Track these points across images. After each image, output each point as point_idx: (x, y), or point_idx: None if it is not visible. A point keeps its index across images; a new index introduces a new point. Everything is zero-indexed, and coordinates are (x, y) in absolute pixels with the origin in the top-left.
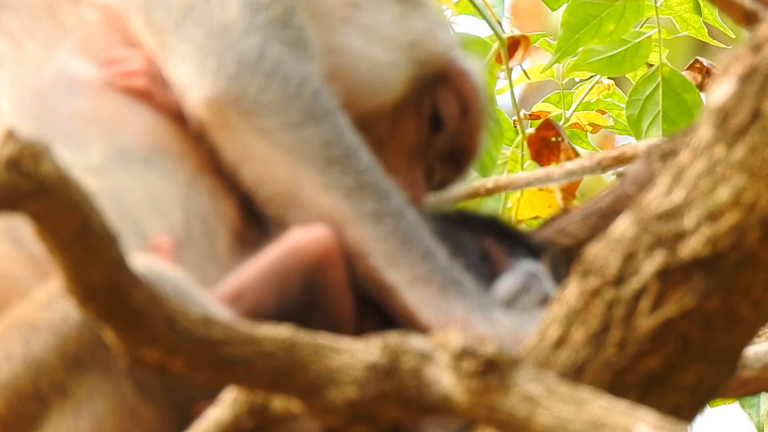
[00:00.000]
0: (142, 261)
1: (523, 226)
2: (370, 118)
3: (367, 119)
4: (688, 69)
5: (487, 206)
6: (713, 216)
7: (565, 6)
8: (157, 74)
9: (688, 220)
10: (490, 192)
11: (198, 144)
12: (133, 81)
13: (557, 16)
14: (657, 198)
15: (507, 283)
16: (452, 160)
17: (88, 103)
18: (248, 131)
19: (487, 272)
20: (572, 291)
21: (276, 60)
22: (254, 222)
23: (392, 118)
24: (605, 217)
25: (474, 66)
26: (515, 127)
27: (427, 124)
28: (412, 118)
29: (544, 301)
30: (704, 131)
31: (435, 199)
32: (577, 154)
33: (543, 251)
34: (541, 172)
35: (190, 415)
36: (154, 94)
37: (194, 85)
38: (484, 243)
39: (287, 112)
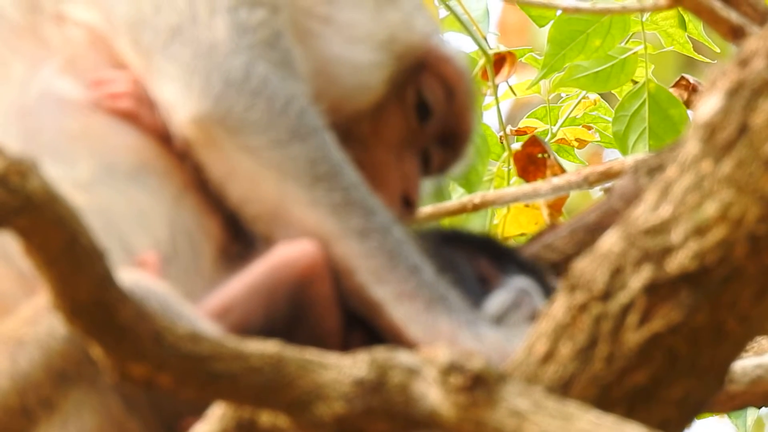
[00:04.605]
0: (129, 276)
1: (509, 243)
2: (352, 120)
3: (348, 121)
4: (674, 86)
5: (474, 222)
6: (700, 231)
7: (551, 22)
8: (143, 96)
9: (676, 235)
10: (476, 208)
11: (183, 162)
12: (119, 103)
13: (544, 32)
14: (644, 213)
15: (498, 299)
16: (447, 144)
17: (75, 121)
18: (234, 149)
19: (483, 292)
20: (559, 306)
21: (262, 79)
22: (239, 238)
23: (375, 115)
24: (592, 232)
25: (454, 49)
26: (502, 142)
27: (414, 112)
28: (396, 110)
29: (535, 316)
30: (691, 146)
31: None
32: (563, 170)
33: (535, 268)
34: (527, 187)
35: (177, 430)
36: (140, 116)
37: (181, 104)
38: (478, 263)
39: (273, 129)
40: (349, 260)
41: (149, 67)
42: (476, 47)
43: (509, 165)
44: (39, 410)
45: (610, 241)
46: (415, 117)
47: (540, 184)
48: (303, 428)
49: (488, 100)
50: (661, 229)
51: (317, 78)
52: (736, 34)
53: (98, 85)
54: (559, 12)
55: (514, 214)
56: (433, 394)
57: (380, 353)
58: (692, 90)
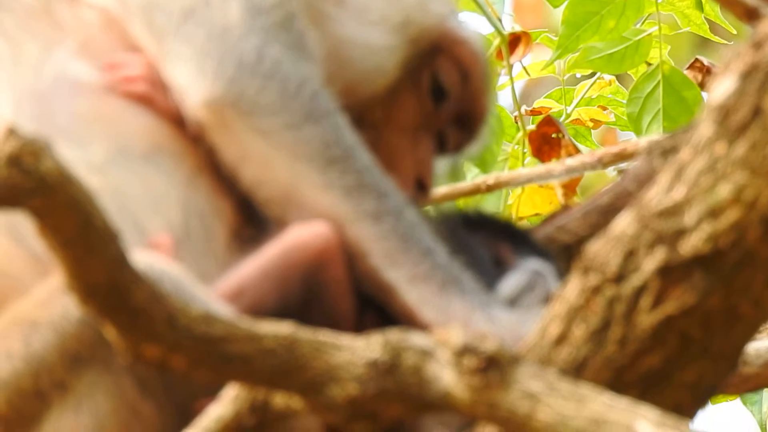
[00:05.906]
0: (142, 258)
1: (523, 223)
2: (366, 103)
3: (362, 105)
4: (688, 68)
5: (488, 203)
6: (714, 213)
7: (566, 3)
8: (157, 79)
9: (689, 218)
10: (490, 188)
11: (196, 145)
12: (133, 86)
13: (559, 11)
14: (658, 195)
15: (512, 281)
16: (463, 125)
17: (89, 103)
18: (247, 131)
19: (498, 274)
20: (573, 288)
21: (275, 61)
22: (252, 221)
23: (389, 99)
24: (606, 214)
25: (469, 31)
26: (516, 123)
27: (430, 96)
28: (411, 93)
29: (549, 299)
30: (705, 128)
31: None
32: (577, 151)
33: (549, 250)
34: (541, 168)
35: (191, 412)
36: (154, 99)
37: (193, 87)
38: (492, 245)
39: (286, 112)
40: (362, 243)
41: (162, 50)
42: (491, 28)
43: (524, 145)
44: (52, 392)
45: (624, 223)
46: (430, 100)
47: (554, 165)
48: (316, 410)
49: (503, 80)
50: (675, 211)
51: (331, 61)
52: (751, 15)
53: (112, 69)
54: None
55: (528, 194)
56: (447, 376)
57: (394, 335)
58: (706, 72)
